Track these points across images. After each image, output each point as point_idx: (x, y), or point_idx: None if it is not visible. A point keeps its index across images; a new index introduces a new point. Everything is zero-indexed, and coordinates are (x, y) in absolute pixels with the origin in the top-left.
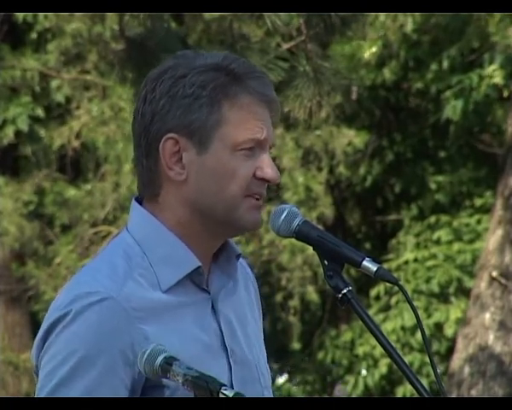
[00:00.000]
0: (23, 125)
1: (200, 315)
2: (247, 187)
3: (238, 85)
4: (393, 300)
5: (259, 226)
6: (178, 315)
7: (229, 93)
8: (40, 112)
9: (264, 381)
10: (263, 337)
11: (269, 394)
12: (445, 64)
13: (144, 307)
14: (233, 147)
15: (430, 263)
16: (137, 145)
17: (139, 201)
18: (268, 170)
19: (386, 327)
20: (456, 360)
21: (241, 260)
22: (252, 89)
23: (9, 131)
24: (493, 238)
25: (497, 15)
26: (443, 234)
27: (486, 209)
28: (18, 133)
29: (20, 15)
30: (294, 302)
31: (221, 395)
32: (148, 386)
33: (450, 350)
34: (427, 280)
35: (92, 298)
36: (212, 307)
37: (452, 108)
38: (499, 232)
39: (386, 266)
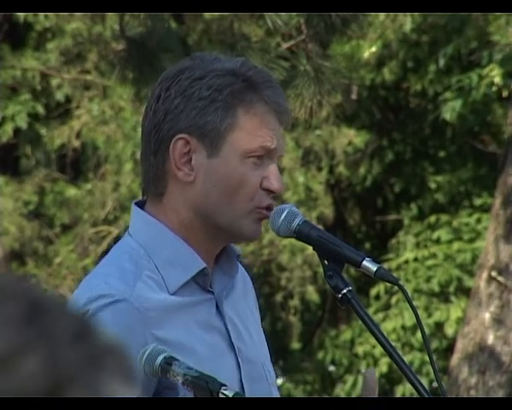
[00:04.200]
0: (22, 122)
1: (206, 316)
2: (253, 196)
3: (254, 93)
4: (393, 299)
5: (257, 238)
6: (186, 316)
7: (245, 100)
8: (40, 109)
9: (270, 378)
10: (264, 337)
11: (275, 390)
12: (442, 63)
13: (155, 308)
14: (243, 153)
15: (430, 262)
16: (146, 142)
17: (139, 204)
18: (274, 181)
19: (387, 326)
20: (456, 360)
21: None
22: (268, 98)
23: (8, 129)
24: (492, 237)
25: (497, 14)
26: (443, 233)
27: (486, 208)
28: (18, 133)
29: (20, 15)
30: (294, 302)
31: (221, 395)
32: (163, 388)
33: (451, 349)
34: (428, 279)
35: (105, 300)
36: (217, 307)
37: (451, 109)
38: (498, 231)
39: (386, 265)
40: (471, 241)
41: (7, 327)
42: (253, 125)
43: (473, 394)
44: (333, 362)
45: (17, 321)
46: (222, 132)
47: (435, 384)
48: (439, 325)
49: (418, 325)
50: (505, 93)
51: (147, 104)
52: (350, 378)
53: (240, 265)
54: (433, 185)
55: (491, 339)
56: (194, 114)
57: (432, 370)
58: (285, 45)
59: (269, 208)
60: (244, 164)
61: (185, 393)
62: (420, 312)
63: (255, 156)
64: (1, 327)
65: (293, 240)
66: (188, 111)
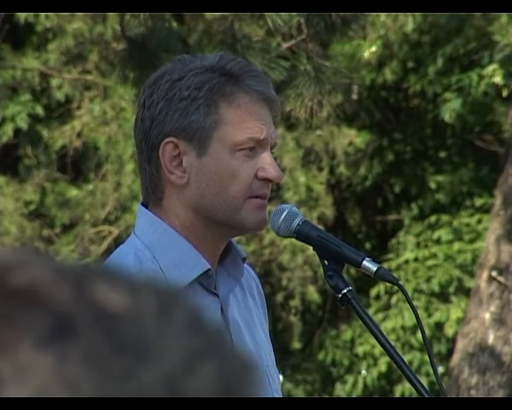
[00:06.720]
0: (22, 123)
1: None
2: (249, 188)
3: (234, 85)
4: (393, 299)
5: (264, 226)
6: None
7: (226, 93)
8: (40, 110)
9: (273, 383)
10: (270, 340)
11: (278, 396)
12: (440, 62)
13: None
14: (232, 147)
15: (430, 262)
16: (140, 151)
17: (145, 205)
18: (270, 169)
19: (386, 326)
20: (456, 360)
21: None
22: (248, 87)
23: (8, 130)
24: (493, 237)
25: (498, 14)
26: (443, 234)
27: (487, 209)
28: (19, 133)
29: (21, 15)
30: (295, 302)
31: None
32: None
33: (451, 350)
34: (428, 279)
35: None
36: (221, 310)
37: (450, 109)
38: (499, 231)
39: (386, 265)
40: (471, 241)
41: (183, 332)
42: (237, 117)
43: (473, 394)
44: (333, 362)
45: (188, 326)
46: (207, 130)
47: (438, 387)
48: (439, 326)
49: (418, 325)
50: (505, 93)
51: (136, 114)
52: (350, 378)
53: (250, 268)
54: (433, 185)
55: (491, 339)
56: (178, 116)
57: (432, 370)
58: (285, 45)
59: (264, 197)
60: (235, 158)
61: None
62: (420, 312)
63: (246, 149)
64: (179, 331)
65: (293, 240)
66: (171, 114)
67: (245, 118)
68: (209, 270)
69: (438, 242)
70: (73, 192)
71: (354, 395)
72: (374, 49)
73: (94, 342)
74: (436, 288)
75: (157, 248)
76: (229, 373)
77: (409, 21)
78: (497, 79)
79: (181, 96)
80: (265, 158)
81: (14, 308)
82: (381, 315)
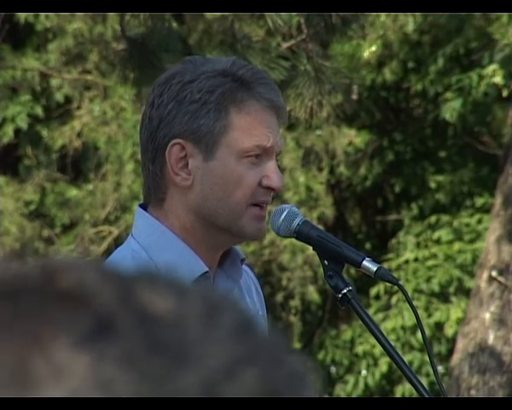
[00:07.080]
0: (22, 123)
1: None
2: (252, 195)
3: (245, 91)
4: (393, 299)
5: (262, 236)
6: None
7: (237, 99)
8: (39, 110)
9: None
10: None
11: None
12: (440, 62)
13: None
14: (239, 154)
15: (430, 263)
16: (144, 150)
17: (143, 207)
18: (274, 178)
19: (386, 326)
20: (456, 360)
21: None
22: (259, 95)
23: (9, 130)
24: (493, 237)
25: (498, 14)
26: (443, 234)
27: (487, 209)
28: (19, 133)
29: (21, 15)
30: (295, 302)
31: None
32: None
33: (451, 350)
34: (428, 280)
35: None
36: None
37: (451, 109)
38: (499, 231)
39: (386, 265)
40: (472, 241)
41: (227, 337)
42: (246, 124)
43: (473, 394)
44: (333, 362)
45: (234, 332)
46: (216, 135)
47: (438, 387)
48: (439, 326)
49: (418, 325)
50: (505, 93)
51: (142, 112)
52: (350, 378)
53: (248, 269)
54: (433, 185)
55: (491, 339)
56: (187, 119)
57: (432, 370)
58: (285, 45)
59: (265, 204)
60: (241, 164)
61: None
62: (420, 312)
63: (252, 156)
64: (223, 337)
65: (293, 240)
66: (181, 116)
67: (254, 125)
68: (207, 272)
69: (438, 242)
70: (73, 192)
71: (354, 395)
72: (374, 49)
73: (133, 343)
74: (436, 288)
75: (154, 250)
76: (277, 379)
77: (409, 21)
78: (497, 79)
79: (192, 98)
80: (271, 166)
81: (58, 309)
82: (381, 315)
